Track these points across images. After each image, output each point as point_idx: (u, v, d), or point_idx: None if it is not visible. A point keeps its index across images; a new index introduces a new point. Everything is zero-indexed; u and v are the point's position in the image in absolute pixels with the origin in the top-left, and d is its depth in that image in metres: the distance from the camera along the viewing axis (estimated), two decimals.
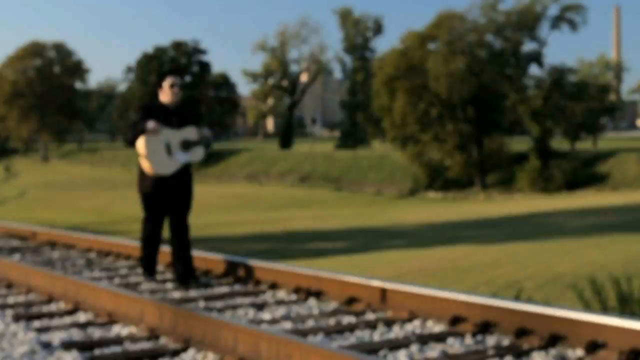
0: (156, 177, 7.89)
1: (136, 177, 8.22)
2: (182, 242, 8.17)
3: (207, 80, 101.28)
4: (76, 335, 5.79)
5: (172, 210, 8.14)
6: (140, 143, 7.81)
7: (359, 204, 63.33)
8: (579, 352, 4.84)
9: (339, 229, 35.97)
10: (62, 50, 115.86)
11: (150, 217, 8.16)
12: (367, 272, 15.79)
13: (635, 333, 4.66)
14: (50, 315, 6.62)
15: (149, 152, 7.80)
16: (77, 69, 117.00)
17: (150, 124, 7.74)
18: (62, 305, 7.02)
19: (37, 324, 6.27)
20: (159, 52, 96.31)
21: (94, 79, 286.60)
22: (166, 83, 8.03)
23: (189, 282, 7.88)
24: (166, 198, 8.05)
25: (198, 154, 8.12)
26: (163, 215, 8.18)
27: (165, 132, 7.87)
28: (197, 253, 8.89)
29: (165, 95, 8.05)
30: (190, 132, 8.04)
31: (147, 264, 8.25)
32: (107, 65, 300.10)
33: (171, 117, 8.00)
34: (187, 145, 7.99)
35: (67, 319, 6.47)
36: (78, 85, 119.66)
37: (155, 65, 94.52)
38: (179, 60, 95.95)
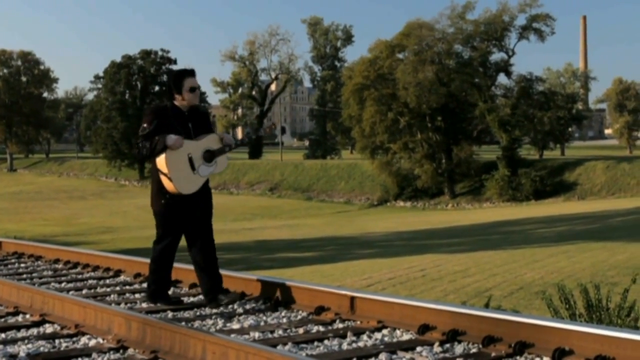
0: (177, 193, 7.01)
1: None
2: (210, 253, 7.28)
3: None
4: (43, 347, 5.73)
5: (194, 223, 7.21)
6: (161, 160, 6.92)
7: (328, 214, 63.40)
8: (546, 359, 4.87)
9: (308, 238, 35.97)
10: (29, 60, 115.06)
11: (167, 236, 7.20)
12: (337, 282, 15.79)
13: (601, 339, 4.69)
14: (17, 327, 6.55)
15: (172, 170, 6.90)
16: (45, 78, 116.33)
17: (172, 140, 6.83)
18: (28, 317, 6.95)
19: (2, 336, 6.20)
20: (128, 61, 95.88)
21: (62, 88, 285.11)
22: (186, 85, 7.09)
23: (218, 297, 7.14)
24: (187, 214, 7.13)
25: (222, 164, 7.25)
26: (181, 233, 7.26)
27: (186, 144, 6.96)
28: None
29: (183, 98, 7.11)
30: (212, 141, 7.17)
31: (160, 288, 7.33)
32: (75, 74, 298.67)
33: (187, 122, 7.10)
34: (210, 156, 7.12)
35: (34, 331, 6.40)
36: (45, 94, 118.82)
37: (123, 74, 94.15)
38: (147, 70, 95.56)
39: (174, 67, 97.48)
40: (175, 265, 8.81)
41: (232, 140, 7.29)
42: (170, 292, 8.00)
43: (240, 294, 7.36)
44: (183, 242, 7.29)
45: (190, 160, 7.00)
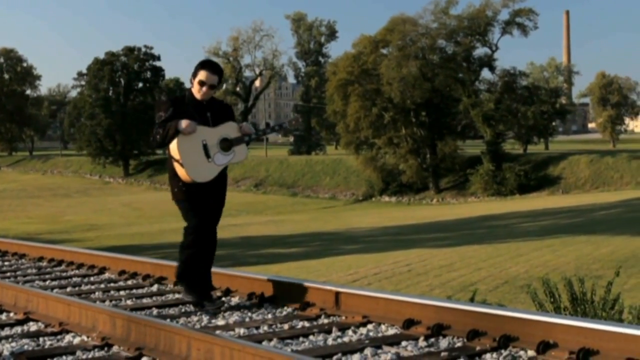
0: (190, 182, 6.73)
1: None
2: (209, 252, 7.01)
3: (160, 85, 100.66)
4: (27, 345, 5.71)
5: (208, 214, 6.94)
6: (173, 146, 6.66)
7: (313, 209, 63.40)
8: (531, 352, 4.89)
9: (294, 234, 35.97)
10: (12, 57, 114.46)
11: (196, 221, 6.86)
12: (322, 277, 15.81)
13: (585, 332, 4.71)
14: (0, 325, 6.51)
15: (184, 156, 6.62)
16: (28, 76, 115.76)
17: (184, 124, 6.58)
18: (12, 315, 6.92)
19: None
20: (111, 58, 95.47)
21: (45, 86, 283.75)
22: (199, 76, 6.79)
23: (203, 302, 6.84)
24: (203, 202, 6.83)
25: (241, 154, 6.90)
26: (206, 220, 6.92)
27: (201, 130, 6.68)
28: (150, 260, 8.81)
29: (194, 89, 6.83)
30: (229, 129, 6.84)
31: (197, 284, 6.92)
32: (58, 71, 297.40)
33: (205, 111, 6.79)
34: (227, 145, 6.79)
35: (18, 329, 6.37)
36: (28, 92, 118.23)
37: (107, 70, 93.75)
38: (131, 66, 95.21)
39: (158, 64, 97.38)
40: (161, 261, 8.81)
41: (251, 129, 6.96)
42: (155, 289, 7.99)
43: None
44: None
45: (205, 147, 6.70)
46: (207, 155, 6.70)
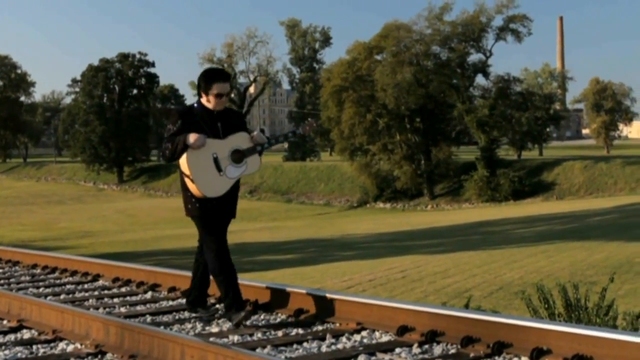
0: (203, 197, 6.47)
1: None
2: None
3: (155, 92, 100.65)
4: (20, 353, 5.69)
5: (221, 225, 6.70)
6: (183, 161, 6.40)
7: (308, 216, 63.40)
8: (524, 359, 4.89)
9: (288, 240, 35.94)
10: (6, 63, 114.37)
11: (213, 238, 6.60)
12: (317, 284, 15.79)
13: (578, 338, 4.72)
14: None
15: (194, 172, 6.35)
16: (22, 82, 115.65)
17: (192, 138, 6.32)
18: (5, 323, 6.90)
19: None
20: (105, 64, 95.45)
21: (39, 92, 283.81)
22: (214, 89, 6.51)
23: (230, 314, 6.51)
24: (221, 213, 6.60)
25: (253, 165, 6.62)
26: (224, 235, 6.69)
27: (210, 143, 6.42)
28: (143, 267, 8.79)
29: (208, 101, 6.55)
30: (241, 139, 6.57)
31: (235, 296, 6.62)
32: (53, 78, 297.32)
33: (215, 122, 6.53)
34: (239, 157, 6.52)
35: (11, 337, 6.36)
36: (23, 98, 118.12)
37: (101, 77, 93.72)
38: (125, 73, 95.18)
39: (152, 70, 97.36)
40: (155, 268, 8.80)
41: (264, 138, 6.67)
42: (149, 296, 7.98)
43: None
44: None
45: (216, 160, 6.43)
46: (219, 168, 6.44)
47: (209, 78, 6.54)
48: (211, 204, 6.48)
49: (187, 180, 6.45)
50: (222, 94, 6.51)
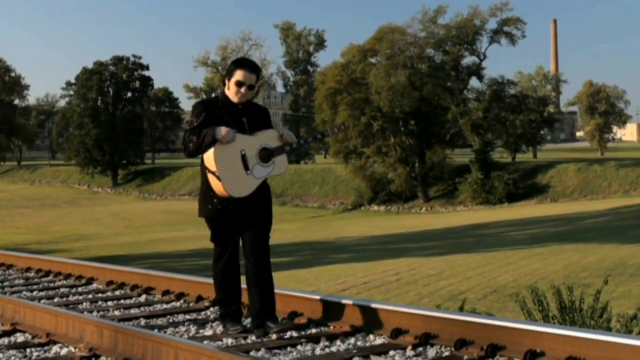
0: (227, 197, 6.02)
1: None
2: (263, 270, 6.27)
3: (150, 95, 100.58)
4: (14, 356, 5.69)
5: (248, 229, 6.21)
6: (209, 157, 5.95)
7: (303, 219, 63.36)
8: None
9: (283, 243, 35.89)
10: (0, 67, 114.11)
11: (223, 245, 6.23)
12: (312, 287, 15.80)
13: (572, 341, 4.72)
14: None
15: (221, 169, 5.91)
16: (16, 86, 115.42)
17: (223, 131, 5.89)
18: None
19: None
20: (100, 67, 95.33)
21: (33, 96, 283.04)
22: (236, 76, 6.08)
23: (266, 324, 6.10)
24: (241, 218, 6.14)
25: (281, 165, 6.17)
26: (239, 239, 6.26)
27: (239, 139, 5.98)
28: (138, 270, 8.78)
29: (229, 88, 6.13)
30: (269, 138, 6.12)
31: (229, 307, 6.35)
32: (47, 81, 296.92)
33: (240, 117, 6.12)
34: (267, 155, 6.07)
35: (5, 340, 6.34)
36: (17, 102, 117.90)
37: (95, 80, 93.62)
38: (120, 76, 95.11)
39: (147, 73, 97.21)
40: (149, 272, 8.77)
41: (293, 138, 6.20)
42: (143, 299, 7.96)
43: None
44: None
45: (244, 158, 5.98)
46: (246, 167, 5.99)
47: (234, 64, 6.16)
48: (234, 206, 6.04)
49: (210, 177, 6.00)
50: (244, 83, 6.05)
